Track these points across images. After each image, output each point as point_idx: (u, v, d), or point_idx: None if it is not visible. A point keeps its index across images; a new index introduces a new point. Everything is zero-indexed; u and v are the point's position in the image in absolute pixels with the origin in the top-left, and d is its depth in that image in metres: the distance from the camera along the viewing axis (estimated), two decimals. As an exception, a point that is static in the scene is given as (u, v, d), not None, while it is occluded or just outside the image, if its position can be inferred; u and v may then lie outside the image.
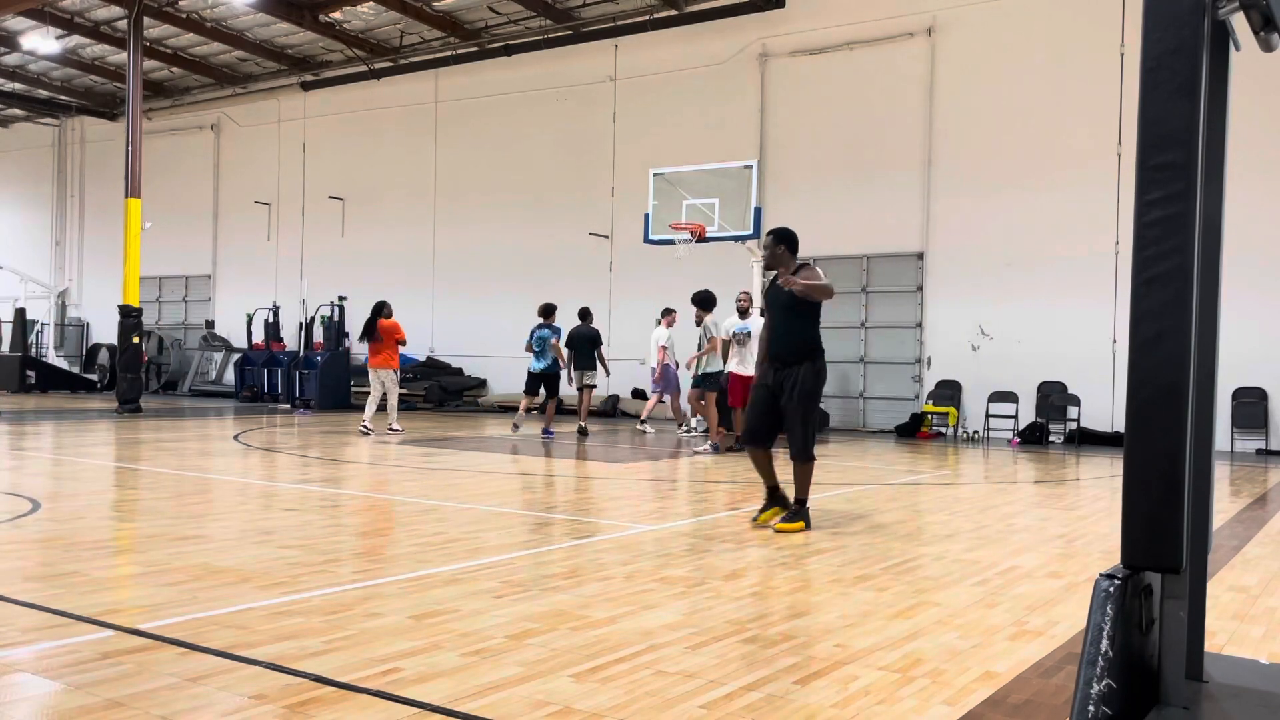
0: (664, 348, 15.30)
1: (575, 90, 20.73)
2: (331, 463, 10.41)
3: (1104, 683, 2.47)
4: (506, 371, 21.18)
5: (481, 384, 21.91)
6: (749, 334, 11.92)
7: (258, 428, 15.17)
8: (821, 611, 4.50)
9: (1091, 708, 2.45)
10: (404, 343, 14.84)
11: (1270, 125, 14.05)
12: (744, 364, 11.87)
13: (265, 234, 25.33)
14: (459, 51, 21.66)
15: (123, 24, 20.48)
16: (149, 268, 22.05)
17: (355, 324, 22.31)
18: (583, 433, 14.11)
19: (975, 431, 16.40)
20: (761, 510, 6.88)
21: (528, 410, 14.52)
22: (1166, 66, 2.64)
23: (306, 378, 20.79)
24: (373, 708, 3.13)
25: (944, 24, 16.93)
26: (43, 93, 27.07)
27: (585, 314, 14.79)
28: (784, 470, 6.89)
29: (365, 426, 13.82)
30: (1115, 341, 15.26)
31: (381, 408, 14.57)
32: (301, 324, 22.01)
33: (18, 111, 28.56)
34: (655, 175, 16.39)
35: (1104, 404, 15.34)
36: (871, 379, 17.66)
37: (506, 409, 20.52)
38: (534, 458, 11.49)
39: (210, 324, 25.89)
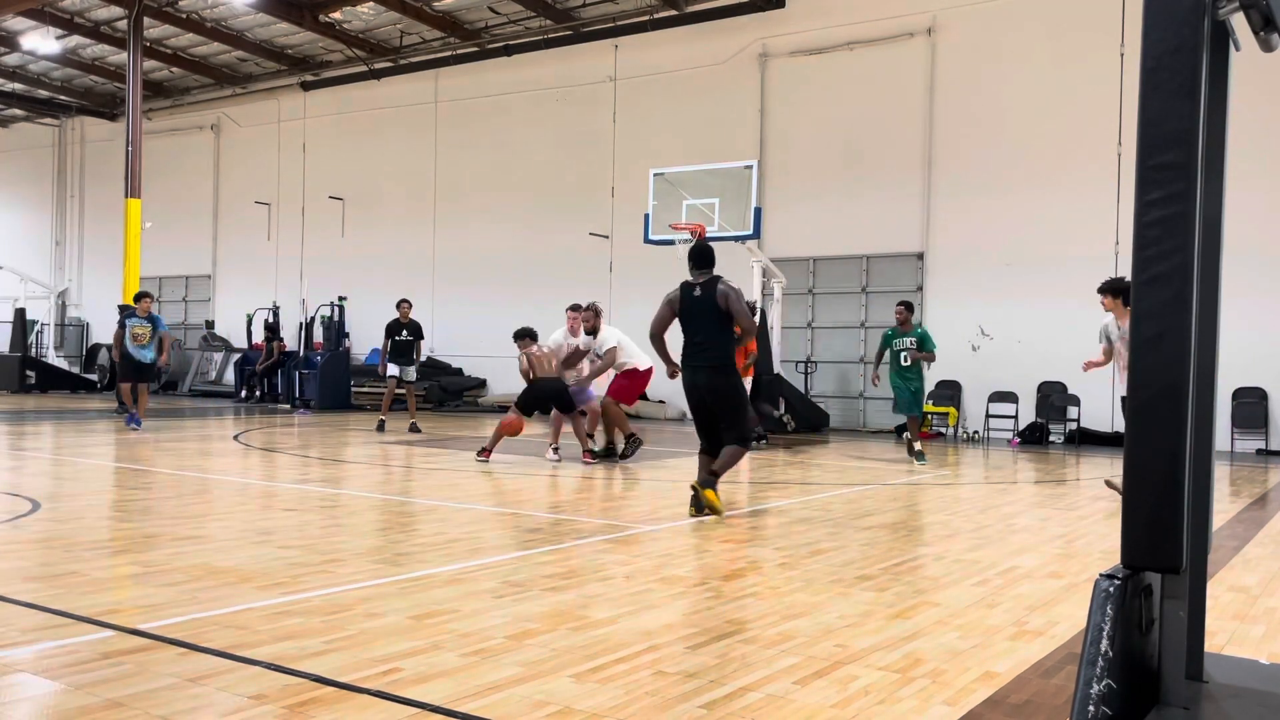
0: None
1: (575, 90, 20.73)
2: (331, 463, 10.41)
3: (1104, 683, 2.47)
4: (507, 371, 21.16)
5: (481, 384, 21.91)
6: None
7: (258, 428, 15.17)
8: (821, 611, 4.50)
9: (1091, 708, 2.45)
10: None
11: (1270, 125, 14.05)
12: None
13: (265, 234, 25.33)
14: (459, 51, 21.66)
15: (123, 24, 20.48)
16: (149, 268, 22.04)
17: (355, 324, 22.34)
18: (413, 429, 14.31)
19: (975, 431, 16.40)
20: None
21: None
22: (1166, 66, 2.64)
23: (306, 378, 20.79)
24: (373, 708, 3.13)
25: (944, 24, 16.93)
26: (43, 93, 27.07)
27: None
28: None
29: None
30: (1115, 341, 15.25)
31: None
32: (301, 324, 22.01)
33: (18, 111, 28.55)
34: (655, 175, 16.39)
35: (1104, 404, 15.33)
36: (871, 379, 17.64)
37: (507, 409, 20.52)
38: (534, 458, 11.49)
39: (210, 324, 25.89)
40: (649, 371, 11.23)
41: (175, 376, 25.57)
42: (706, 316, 7.30)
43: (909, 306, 12.00)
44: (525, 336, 11.34)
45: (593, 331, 11.29)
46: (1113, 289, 8.57)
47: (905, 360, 11.72)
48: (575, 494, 8.55)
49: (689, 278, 7.48)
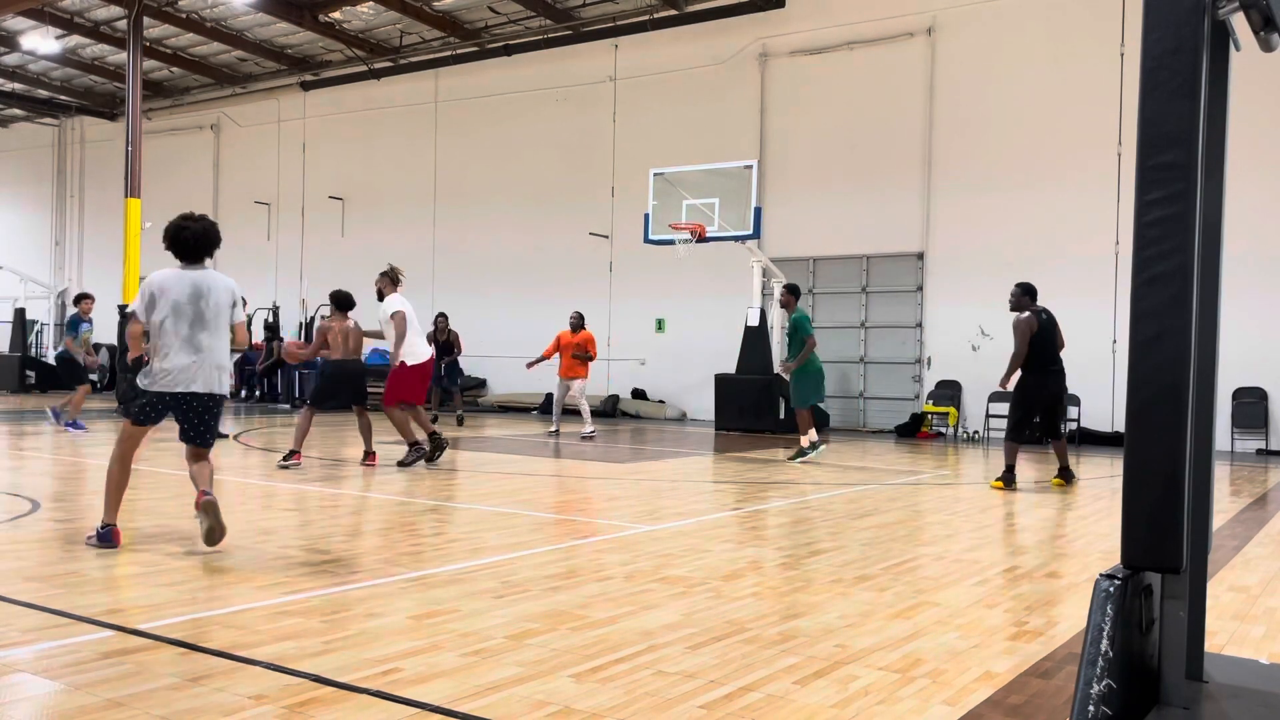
0: None
1: (575, 90, 20.73)
2: (331, 463, 10.40)
3: (1104, 683, 2.47)
4: (506, 371, 21.19)
5: (481, 384, 21.91)
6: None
7: (257, 428, 15.17)
8: (821, 611, 4.50)
9: (1091, 708, 2.45)
10: None
11: (1270, 125, 14.04)
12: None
13: (265, 234, 25.32)
14: (459, 51, 21.65)
15: (123, 24, 20.46)
16: (149, 267, 21.97)
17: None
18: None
19: (975, 431, 16.39)
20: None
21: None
22: (1166, 66, 2.64)
23: (306, 378, 20.79)
24: (373, 708, 3.13)
25: (944, 24, 16.93)
26: (43, 93, 27.05)
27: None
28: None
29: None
30: (1115, 341, 15.25)
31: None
32: (301, 324, 21.99)
33: (18, 111, 28.53)
34: (655, 175, 16.40)
35: (1104, 404, 15.33)
36: (871, 379, 17.66)
37: (507, 409, 20.53)
38: (533, 458, 11.49)
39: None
40: (422, 368, 10.07)
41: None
42: (1056, 335, 9.54)
43: (790, 290, 11.50)
44: (344, 307, 10.04)
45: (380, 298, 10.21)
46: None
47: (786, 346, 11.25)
48: (575, 494, 8.55)
49: (1039, 306, 9.54)
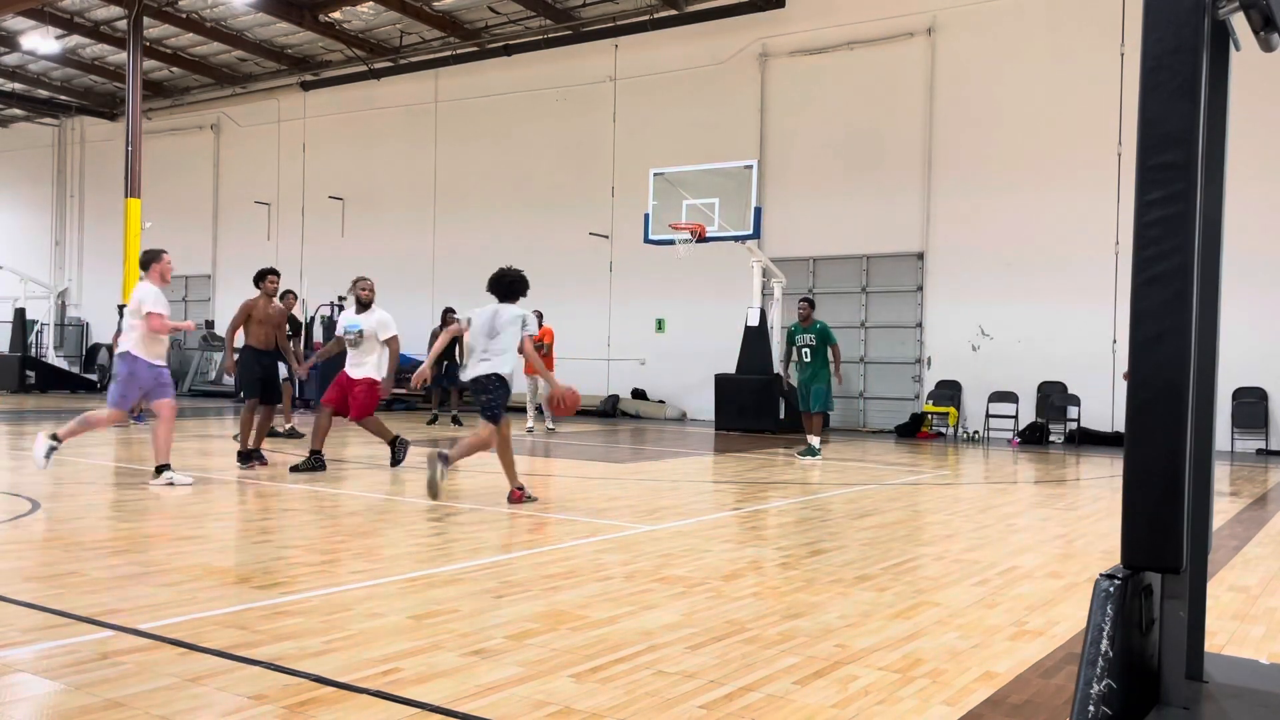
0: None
1: (575, 90, 20.73)
2: (331, 463, 10.40)
3: (1104, 683, 2.47)
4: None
5: (481, 384, 21.88)
6: (360, 332, 9.75)
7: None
8: (821, 611, 4.50)
9: (1091, 708, 2.45)
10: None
11: (1270, 125, 14.04)
12: (358, 365, 9.76)
13: (265, 234, 25.32)
14: (459, 51, 21.65)
15: (122, 24, 20.47)
16: (149, 268, 21.96)
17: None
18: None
19: (975, 431, 16.39)
20: None
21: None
22: (1166, 66, 2.64)
23: (306, 378, 20.76)
24: (373, 708, 3.13)
25: (944, 24, 16.93)
26: (43, 93, 27.06)
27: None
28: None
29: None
30: (1115, 341, 15.25)
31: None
32: (301, 324, 21.94)
33: (18, 111, 28.54)
34: (655, 175, 16.41)
35: (1104, 404, 15.33)
36: (871, 379, 17.66)
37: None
38: (534, 458, 11.49)
39: (210, 324, 25.88)
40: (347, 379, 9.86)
41: (175, 376, 25.52)
42: None
43: (810, 303, 12.46)
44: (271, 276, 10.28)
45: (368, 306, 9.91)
46: None
47: (806, 356, 12.05)
48: (575, 494, 8.55)
49: None
